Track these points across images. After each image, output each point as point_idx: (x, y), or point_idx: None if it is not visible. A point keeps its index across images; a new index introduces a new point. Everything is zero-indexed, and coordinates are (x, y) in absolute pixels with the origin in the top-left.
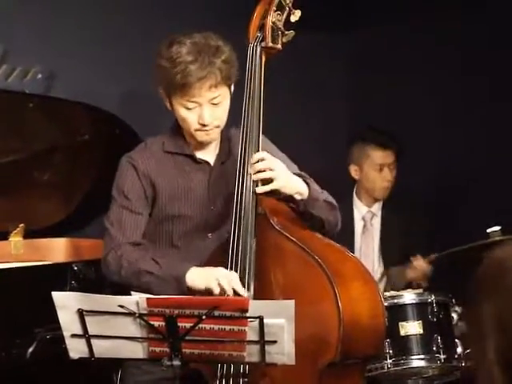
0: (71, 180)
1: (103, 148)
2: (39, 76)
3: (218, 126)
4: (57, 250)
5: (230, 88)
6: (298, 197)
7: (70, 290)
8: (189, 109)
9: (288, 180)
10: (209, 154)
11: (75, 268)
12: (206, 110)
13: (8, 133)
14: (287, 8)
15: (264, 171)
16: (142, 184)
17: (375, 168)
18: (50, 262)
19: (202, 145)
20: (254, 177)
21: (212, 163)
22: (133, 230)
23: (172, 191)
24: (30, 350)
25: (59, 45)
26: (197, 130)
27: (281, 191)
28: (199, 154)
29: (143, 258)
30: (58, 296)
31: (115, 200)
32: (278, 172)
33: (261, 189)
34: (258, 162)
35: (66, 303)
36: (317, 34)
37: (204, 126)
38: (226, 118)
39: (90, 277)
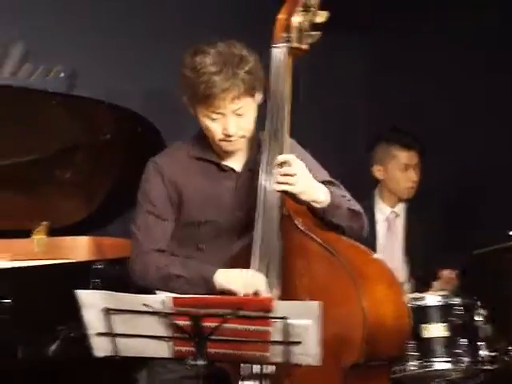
0: (93, 178)
1: (125, 146)
2: (62, 74)
3: (243, 136)
4: (79, 248)
5: (255, 97)
6: (315, 205)
7: (92, 289)
8: (213, 119)
9: (307, 187)
10: (236, 161)
11: (98, 266)
12: (230, 121)
13: (30, 131)
14: (313, 9)
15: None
16: (167, 190)
17: (400, 168)
18: (73, 261)
19: (228, 152)
20: (275, 179)
21: (239, 170)
22: (159, 236)
23: (198, 198)
24: (53, 347)
25: (82, 43)
26: (221, 140)
27: (297, 197)
28: (226, 161)
29: (172, 262)
30: (82, 294)
31: (141, 205)
32: (297, 178)
33: (278, 186)
34: (281, 164)
35: (91, 302)
36: (336, 33)
37: (228, 136)
38: (251, 127)
39: (112, 275)
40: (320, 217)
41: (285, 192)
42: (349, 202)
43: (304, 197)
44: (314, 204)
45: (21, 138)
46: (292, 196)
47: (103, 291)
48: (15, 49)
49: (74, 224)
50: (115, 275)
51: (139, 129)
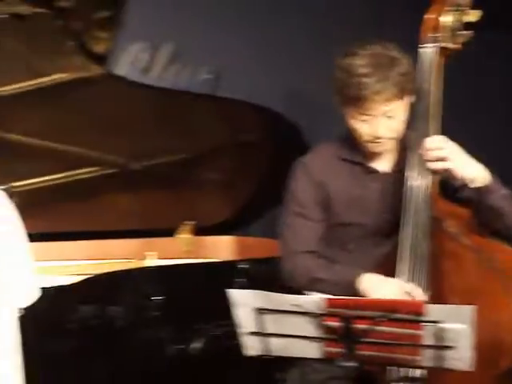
0: (237, 179)
1: (269, 147)
2: (208, 76)
3: (392, 138)
4: (223, 247)
5: (407, 99)
6: (471, 184)
7: (236, 288)
8: (362, 121)
9: (464, 162)
10: (383, 162)
11: (243, 266)
12: (379, 123)
13: (177, 132)
14: (464, 8)
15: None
16: (315, 190)
17: None
18: (217, 260)
19: (375, 153)
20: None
21: (386, 171)
22: (307, 237)
23: (344, 199)
24: (197, 345)
25: (228, 44)
26: (369, 142)
27: (453, 172)
28: (373, 162)
29: (317, 266)
30: (235, 293)
31: (288, 206)
32: (451, 151)
33: (431, 165)
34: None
35: (244, 301)
36: (485, 33)
37: (377, 138)
38: (401, 129)
39: (257, 275)
40: (475, 200)
41: (438, 173)
42: (500, 184)
43: (461, 172)
44: (470, 183)
45: (168, 138)
46: (447, 177)
47: (255, 291)
48: (164, 50)
49: (219, 224)
50: (260, 275)
51: (283, 131)
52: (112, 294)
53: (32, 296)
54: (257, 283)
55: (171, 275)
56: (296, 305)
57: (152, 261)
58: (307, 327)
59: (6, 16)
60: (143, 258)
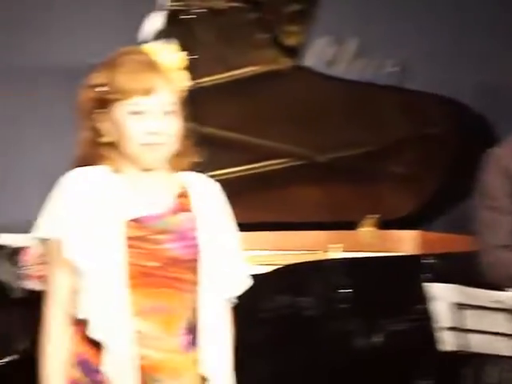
0: (423, 173)
1: (455, 141)
2: (394, 68)
3: None
4: (407, 241)
5: None
6: None
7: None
8: None
9: None
10: None
11: (428, 261)
12: None
13: (362, 124)
14: None
15: None
16: (505, 181)
17: None
18: (401, 254)
19: None
20: None
21: None
22: (501, 231)
23: None
24: (380, 339)
25: (413, 37)
26: None
27: None
28: None
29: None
30: (433, 287)
31: (479, 198)
32: None
33: None
34: None
35: (442, 294)
36: None
37: None
38: None
39: (442, 270)
40: None
41: None
42: None
43: None
44: None
45: (353, 131)
46: None
47: (454, 285)
48: (350, 44)
49: (400, 218)
50: (445, 270)
51: (472, 124)
52: (301, 284)
53: (243, 285)
54: (442, 278)
55: (359, 267)
56: (497, 301)
57: (336, 253)
58: (506, 324)
59: (204, 11)
60: (327, 249)
